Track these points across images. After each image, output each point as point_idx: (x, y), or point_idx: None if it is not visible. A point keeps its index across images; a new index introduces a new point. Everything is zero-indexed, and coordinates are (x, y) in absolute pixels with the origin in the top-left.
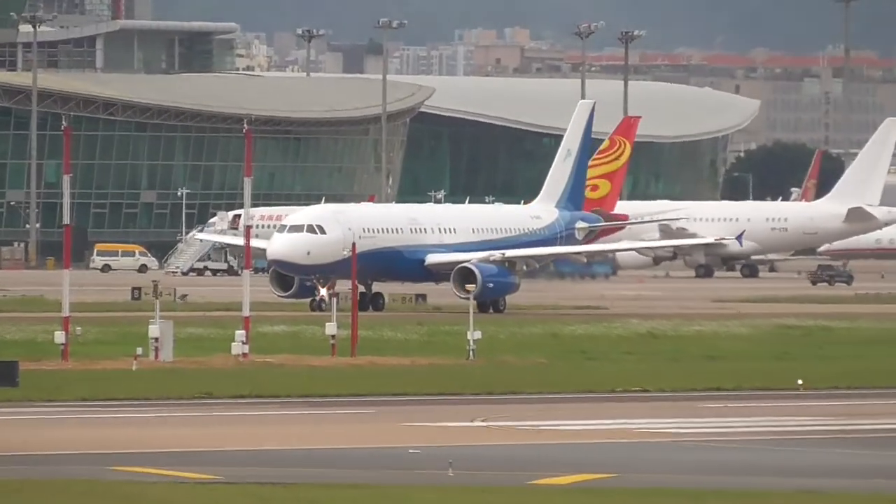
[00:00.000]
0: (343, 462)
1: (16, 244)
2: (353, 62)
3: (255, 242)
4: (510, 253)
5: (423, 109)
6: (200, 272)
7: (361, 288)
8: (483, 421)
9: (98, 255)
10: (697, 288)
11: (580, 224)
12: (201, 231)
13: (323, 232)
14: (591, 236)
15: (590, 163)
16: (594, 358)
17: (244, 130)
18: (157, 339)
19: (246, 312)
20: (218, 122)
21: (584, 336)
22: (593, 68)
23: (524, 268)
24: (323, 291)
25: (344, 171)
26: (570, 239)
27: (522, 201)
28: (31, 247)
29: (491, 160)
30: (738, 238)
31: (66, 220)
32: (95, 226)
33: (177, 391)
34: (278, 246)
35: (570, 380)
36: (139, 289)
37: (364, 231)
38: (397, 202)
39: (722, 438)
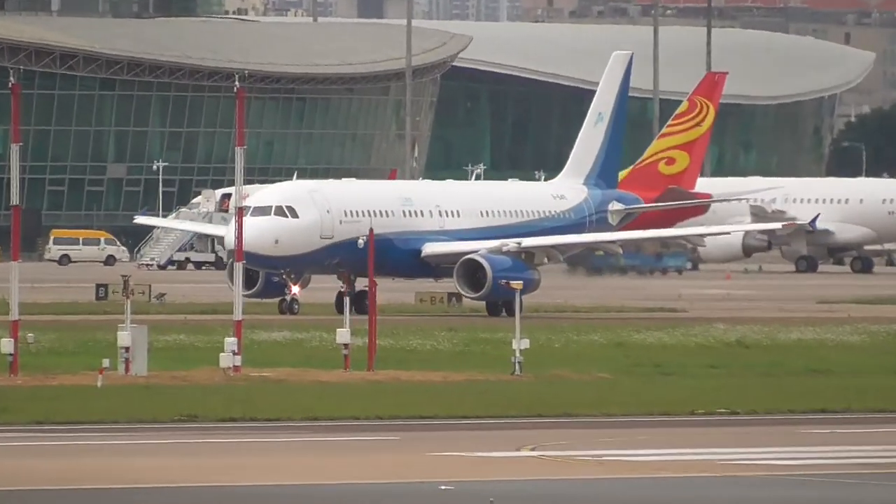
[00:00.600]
0: (359, 501)
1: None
2: (370, 5)
3: (206, 227)
4: (527, 242)
5: (456, 63)
6: (181, 265)
7: (342, 285)
8: (532, 450)
9: (55, 243)
10: (798, 286)
11: (614, 205)
12: (178, 214)
13: (295, 215)
14: (629, 220)
15: (665, 130)
16: (669, 372)
17: (235, 89)
18: (127, 349)
19: (238, 315)
20: (202, 78)
21: (657, 345)
22: (668, 12)
23: (545, 260)
24: (295, 289)
25: (359, 139)
26: (601, 223)
27: (543, 176)
28: None
29: (541, 126)
30: (812, 222)
31: (15, 199)
32: (51, 207)
33: (152, 412)
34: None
35: (640, 399)
36: (105, 286)
37: (346, 214)
38: (425, 177)
39: (828, 472)
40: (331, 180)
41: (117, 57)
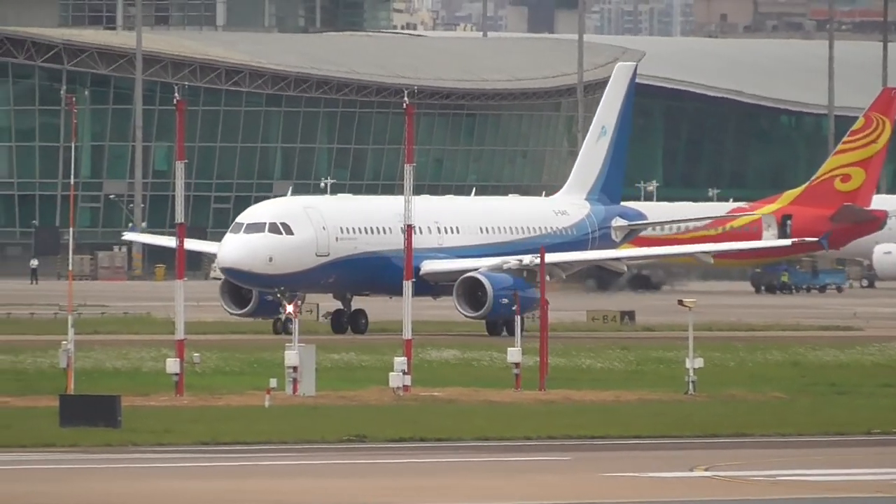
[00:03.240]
0: None
1: (116, 248)
2: (540, 18)
3: (201, 245)
4: (529, 259)
5: None
6: None
7: (339, 304)
8: (706, 470)
9: None
10: None
11: (617, 221)
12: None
13: (289, 232)
14: (633, 237)
15: (840, 146)
16: (845, 392)
17: (404, 105)
18: (295, 369)
19: (407, 334)
20: (370, 94)
21: (833, 364)
22: (843, 26)
23: (547, 278)
24: (289, 308)
25: (530, 155)
26: (604, 240)
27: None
28: (135, 252)
29: (716, 143)
30: (822, 240)
31: (180, 217)
32: (217, 225)
33: (320, 433)
34: (231, 250)
35: (815, 419)
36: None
37: (342, 231)
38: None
39: None
40: (326, 196)
41: (284, 72)
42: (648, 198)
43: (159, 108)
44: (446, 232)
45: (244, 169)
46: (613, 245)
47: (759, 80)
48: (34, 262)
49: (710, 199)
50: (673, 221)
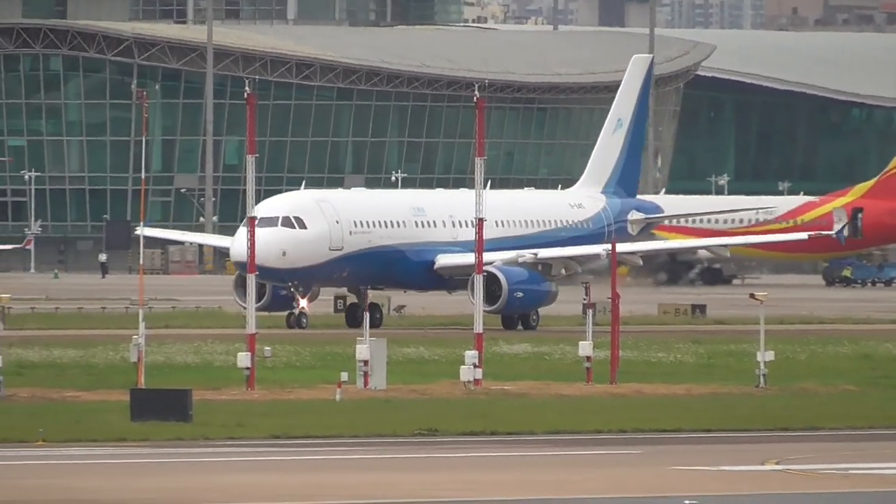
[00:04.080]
0: None
1: (187, 243)
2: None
3: (212, 239)
4: (544, 253)
5: (699, 72)
6: None
7: (352, 297)
8: (777, 464)
9: None
10: None
11: (634, 214)
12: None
13: (303, 226)
14: (650, 229)
15: None
16: None
17: (475, 99)
18: (366, 362)
19: (478, 328)
20: (441, 87)
21: None
22: None
23: (562, 272)
24: (303, 303)
25: None
26: (620, 233)
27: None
28: (206, 246)
29: (786, 137)
30: (839, 233)
31: (251, 211)
32: None
33: (392, 426)
34: (244, 244)
35: (887, 412)
36: (343, 298)
37: (356, 225)
38: (668, 190)
39: None
40: (340, 189)
41: (354, 66)
42: (720, 191)
43: (230, 102)
44: (461, 226)
45: (315, 163)
46: (630, 238)
47: (830, 73)
48: (103, 257)
49: (780, 193)
50: (689, 215)
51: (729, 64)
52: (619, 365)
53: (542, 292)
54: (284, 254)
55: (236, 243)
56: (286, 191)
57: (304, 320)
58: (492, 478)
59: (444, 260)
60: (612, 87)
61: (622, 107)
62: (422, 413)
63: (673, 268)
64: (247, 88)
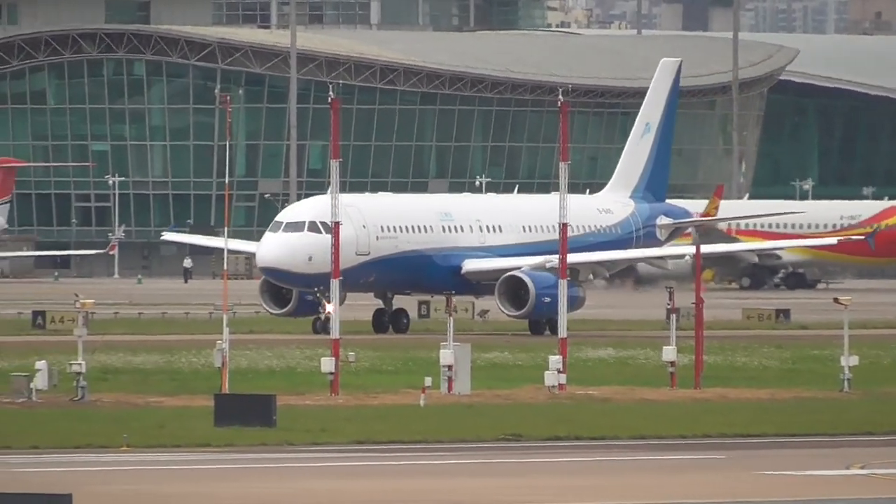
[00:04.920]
0: None
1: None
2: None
3: (239, 244)
4: (572, 258)
5: (783, 76)
6: None
7: (379, 302)
8: (862, 468)
9: None
10: None
11: (662, 219)
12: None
13: (329, 231)
14: (678, 234)
15: None
16: None
17: (558, 103)
18: (450, 367)
19: (562, 333)
20: (525, 92)
21: None
22: None
23: (590, 277)
24: (329, 308)
25: (685, 154)
26: (649, 238)
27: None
28: None
29: (871, 141)
30: (869, 237)
31: (336, 216)
32: None
33: (475, 431)
34: (271, 249)
35: None
36: (427, 303)
37: (382, 230)
38: (751, 195)
39: None
40: (367, 194)
41: (438, 71)
42: (804, 196)
43: (314, 106)
44: (489, 231)
45: (399, 167)
46: (658, 243)
47: None
48: (188, 262)
49: (864, 198)
50: (717, 219)
51: (812, 68)
52: (704, 369)
53: (570, 298)
54: (310, 259)
55: (263, 248)
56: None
57: (330, 325)
58: (575, 483)
59: (471, 265)
60: (694, 92)
61: (651, 111)
62: (506, 418)
63: (757, 273)
64: (331, 93)
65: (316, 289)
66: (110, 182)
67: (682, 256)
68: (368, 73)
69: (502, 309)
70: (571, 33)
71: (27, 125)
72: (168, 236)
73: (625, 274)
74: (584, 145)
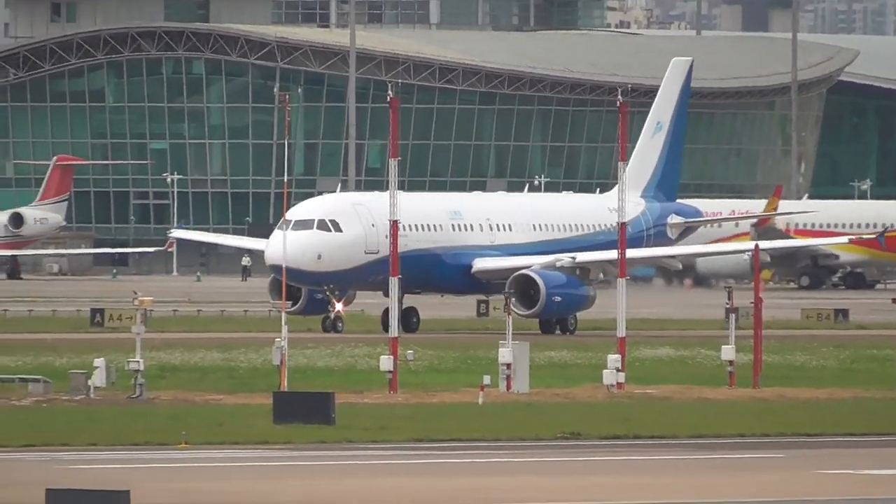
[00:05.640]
0: None
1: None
2: (755, 17)
3: (256, 243)
4: (582, 257)
5: (842, 77)
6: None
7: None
8: None
9: None
10: None
11: (673, 219)
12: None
13: (338, 229)
14: (690, 234)
15: None
16: None
17: (618, 103)
18: (508, 366)
19: (621, 332)
20: (584, 92)
21: None
22: None
23: (601, 276)
24: (339, 306)
25: (743, 154)
26: (660, 237)
27: (598, 189)
28: None
29: None
30: (880, 236)
31: (394, 214)
32: None
33: (534, 430)
34: (279, 247)
35: None
36: (486, 301)
37: None
38: (811, 196)
39: None
40: (375, 192)
41: (497, 70)
42: (862, 196)
43: (372, 105)
44: (499, 229)
45: (458, 167)
46: (669, 242)
47: None
48: (247, 260)
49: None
50: (727, 219)
51: (872, 69)
52: (762, 369)
53: (580, 297)
54: (320, 257)
55: (271, 246)
56: None
57: (340, 324)
58: (634, 482)
59: (481, 264)
60: (754, 93)
61: (662, 110)
62: (564, 417)
63: (815, 272)
64: (389, 92)
65: (325, 287)
66: (169, 180)
67: (674, 258)
68: (427, 73)
69: (512, 308)
70: (631, 33)
71: (86, 123)
72: (177, 233)
73: (684, 274)
74: None
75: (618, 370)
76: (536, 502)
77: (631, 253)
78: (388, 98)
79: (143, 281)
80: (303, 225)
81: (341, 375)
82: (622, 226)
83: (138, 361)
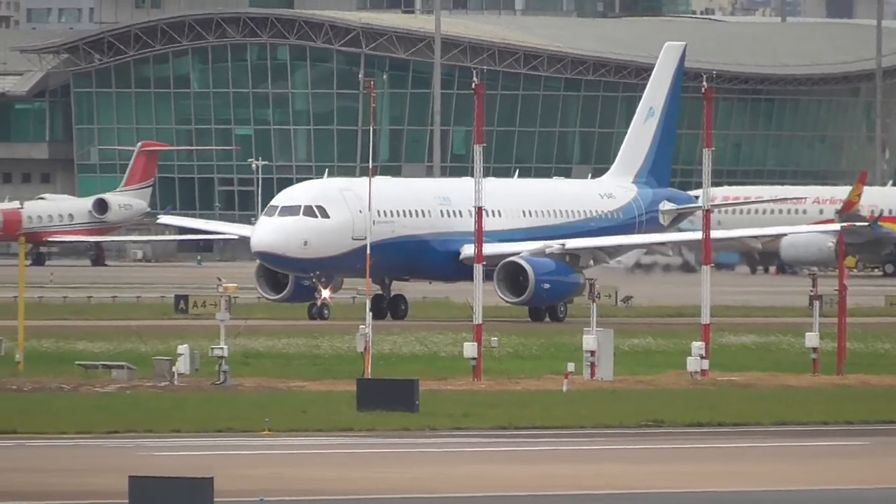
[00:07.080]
0: None
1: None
2: (839, 3)
3: (241, 229)
4: (572, 243)
5: None
6: (649, 268)
7: (377, 289)
8: None
9: None
10: None
11: (665, 205)
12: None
13: (325, 215)
14: (682, 220)
15: None
16: None
17: (702, 90)
18: (593, 353)
19: (705, 319)
20: None
21: None
22: None
23: (591, 263)
24: (325, 293)
25: (828, 141)
26: (652, 224)
27: (590, 175)
28: None
29: None
30: (874, 224)
31: (479, 201)
32: None
33: (618, 417)
34: (265, 233)
35: None
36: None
37: (379, 214)
38: (895, 182)
39: None
40: (363, 178)
41: (583, 57)
42: None
43: (457, 92)
44: (488, 215)
45: (542, 153)
46: (661, 229)
47: None
48: None
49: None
50: (721, 205)
51: None
52: (846, 356)
53: (569, 284)
54: (306, 243)
55: (257, 232)
56: None
57: (326, 311)
58: (718, 469)
59: (469, 250)
60: (838, 79)
61: (654, 95)
62: (648, 404)
63: None
64: (474, 78)
65: (312, 274)
66: (254, 166)
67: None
68: (512, 59)
69: (501, 295)
70: (716, 20)
71: (171, 109)
72: (165, 219)
73: (768, 260)
74: (728, 132)
75: (702, 357)
76: (620, 489)
77: (622, 240)
78: (473, 84)
79: (227, 267)
80: (289, 211)
81: (425, 362)
82: (706, 214)
83: (223, 348)
